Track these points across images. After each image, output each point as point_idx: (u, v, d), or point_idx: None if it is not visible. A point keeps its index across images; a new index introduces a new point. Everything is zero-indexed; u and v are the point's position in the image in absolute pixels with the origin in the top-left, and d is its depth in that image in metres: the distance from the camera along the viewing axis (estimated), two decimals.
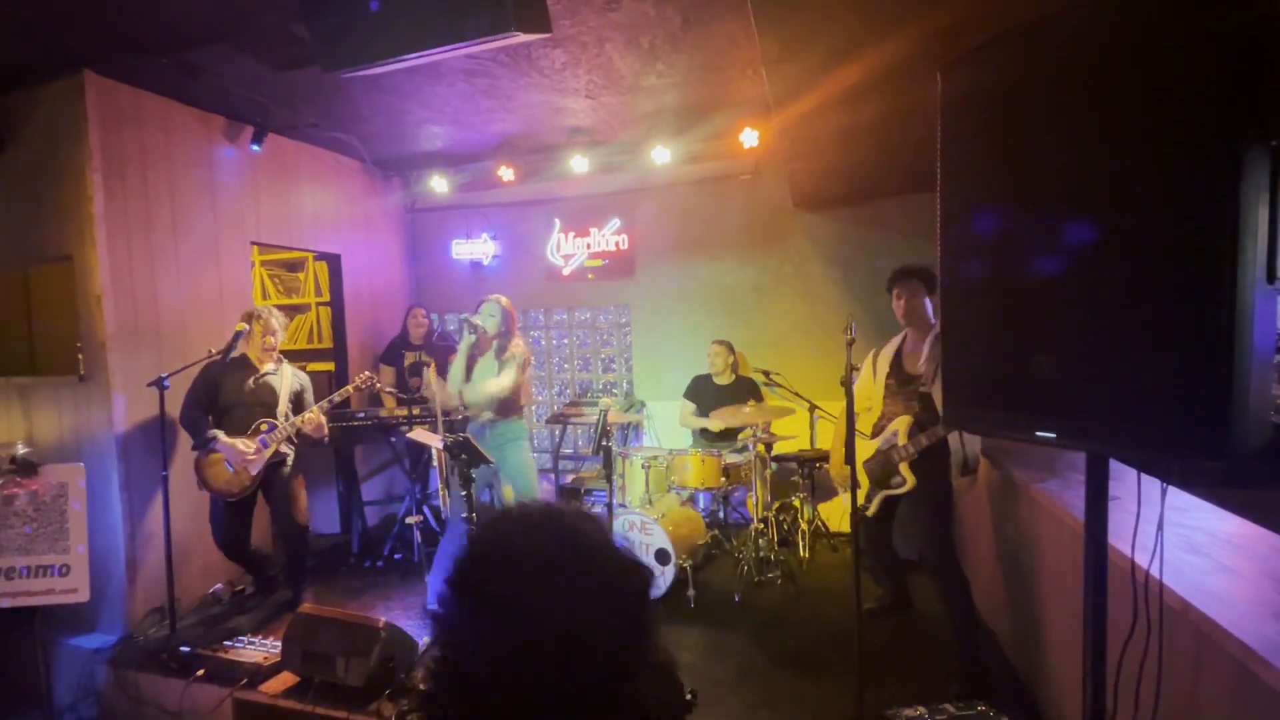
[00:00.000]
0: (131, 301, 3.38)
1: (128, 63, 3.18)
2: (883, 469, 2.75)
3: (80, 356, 3.29)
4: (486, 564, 0.63)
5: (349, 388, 3.53)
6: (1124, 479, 1.62)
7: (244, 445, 3.18)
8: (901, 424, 2.69)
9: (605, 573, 0.63)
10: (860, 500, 2.79)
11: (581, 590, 0.60)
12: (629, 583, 0.65)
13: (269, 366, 3.36)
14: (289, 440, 3.36)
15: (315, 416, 3.32)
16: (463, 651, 0.61)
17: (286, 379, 3.40)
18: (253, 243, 4.16)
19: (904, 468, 2.67)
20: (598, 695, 0.59)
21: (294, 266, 5.43)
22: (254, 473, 3.21)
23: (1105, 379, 1.09)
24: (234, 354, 3.30)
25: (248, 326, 3.30)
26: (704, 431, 4.41)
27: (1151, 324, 1.01)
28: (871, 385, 2.92)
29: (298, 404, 3.45)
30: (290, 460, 3.40)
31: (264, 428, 3.25)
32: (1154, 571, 1.34)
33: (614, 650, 0.60)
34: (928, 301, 2.73)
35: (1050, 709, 2.32)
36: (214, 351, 3.27)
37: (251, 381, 3.28)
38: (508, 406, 3.39)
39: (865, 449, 2.83)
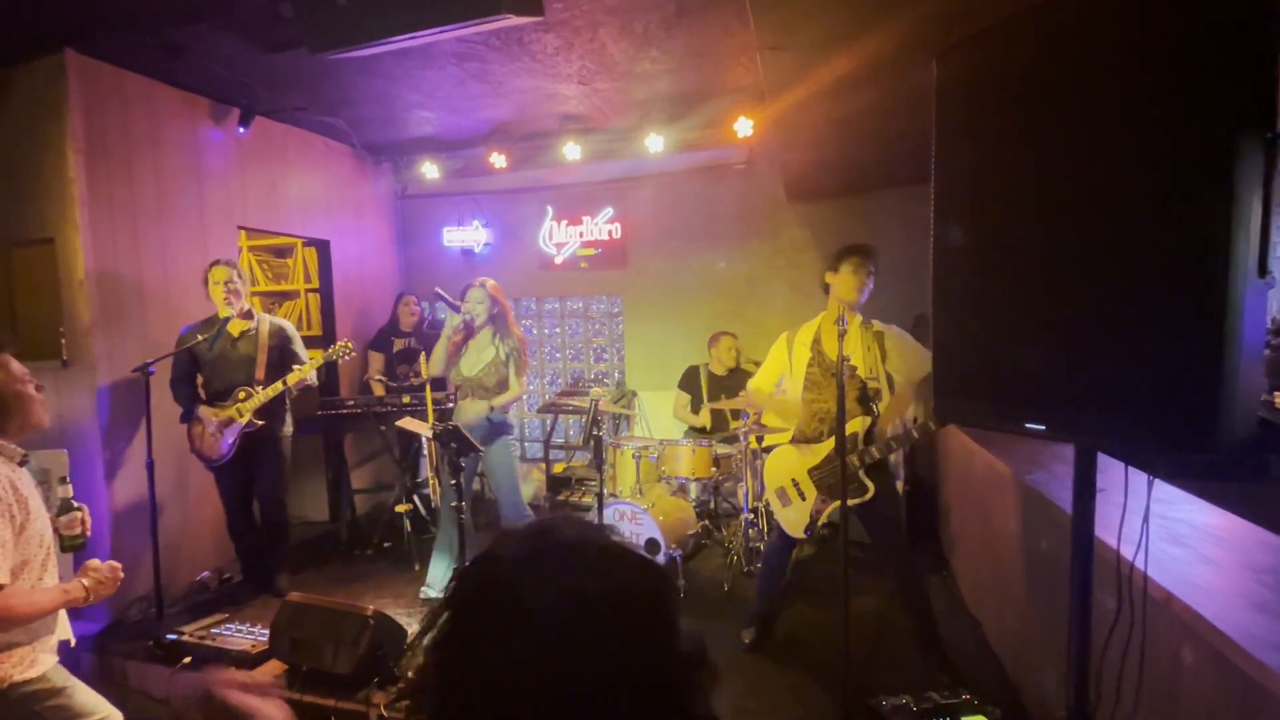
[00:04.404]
0: (115, 285, 3.32)
1: (110, 41, 3.11)
2: (838, 478, 2.49)
3: (63, 341, 3.24)
4: (471, 597, 0.60)
5: (319, 357, 3.39)
6: (1111, 472, 1.63)
7: (218, 415, 3.23)
8: (859, 426, 2.50)
9: (598, 576, 0.59)
10: (801, 518, 2.64)
11: (588, 601, 0.57)
12: (630, 581, 0.60)
13: (241, 322, 3.31)
14: (260, 412, 3.29)
15: (277, 389, 3.26)
16: (462, 691, 0.58)
17: (264, 336, 3.34)
18: (240, 227, 4.10)
19: (863, 474, 2.51)
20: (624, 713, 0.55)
21: (282, 252, 5.37)
22: (229, 440, 3.24)
23: (1095, 372, 1.09)
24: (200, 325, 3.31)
25: (208, 285, 3.26)
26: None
27: (1142, 317, 1.01)
28: (780, 373, 2.69)
29: (282, 356, 3.39)
30: (275, 429, 3.37)
31: (242, 396, 3.25)
32: (1139, 563, 1.35)
33: (626, 663, 0.56)
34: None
35: (1033, 698, 2.35)
36: (201, 337, 3.23)
37: (227, 341, 3.27)
38: (492, 398, 3.35)
39: (809, 455, 2.63)
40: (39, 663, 1.76)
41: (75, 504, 1.87)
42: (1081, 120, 1.08)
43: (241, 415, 3.23)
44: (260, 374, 3.30)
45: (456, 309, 3.29)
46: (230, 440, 3.23)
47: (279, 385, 3.26)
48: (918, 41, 2.07)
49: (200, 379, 3.34)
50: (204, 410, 3.25)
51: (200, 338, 3.23)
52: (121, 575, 1.87)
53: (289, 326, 3.48)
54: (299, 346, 3.47)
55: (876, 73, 2.43)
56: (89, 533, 1.91)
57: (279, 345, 3.39)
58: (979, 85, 1.26)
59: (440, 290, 3.33)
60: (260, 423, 3.28)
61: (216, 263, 3.28)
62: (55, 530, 1.85)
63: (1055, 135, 1.12)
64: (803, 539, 2.68)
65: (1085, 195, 1.09)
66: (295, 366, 3.33)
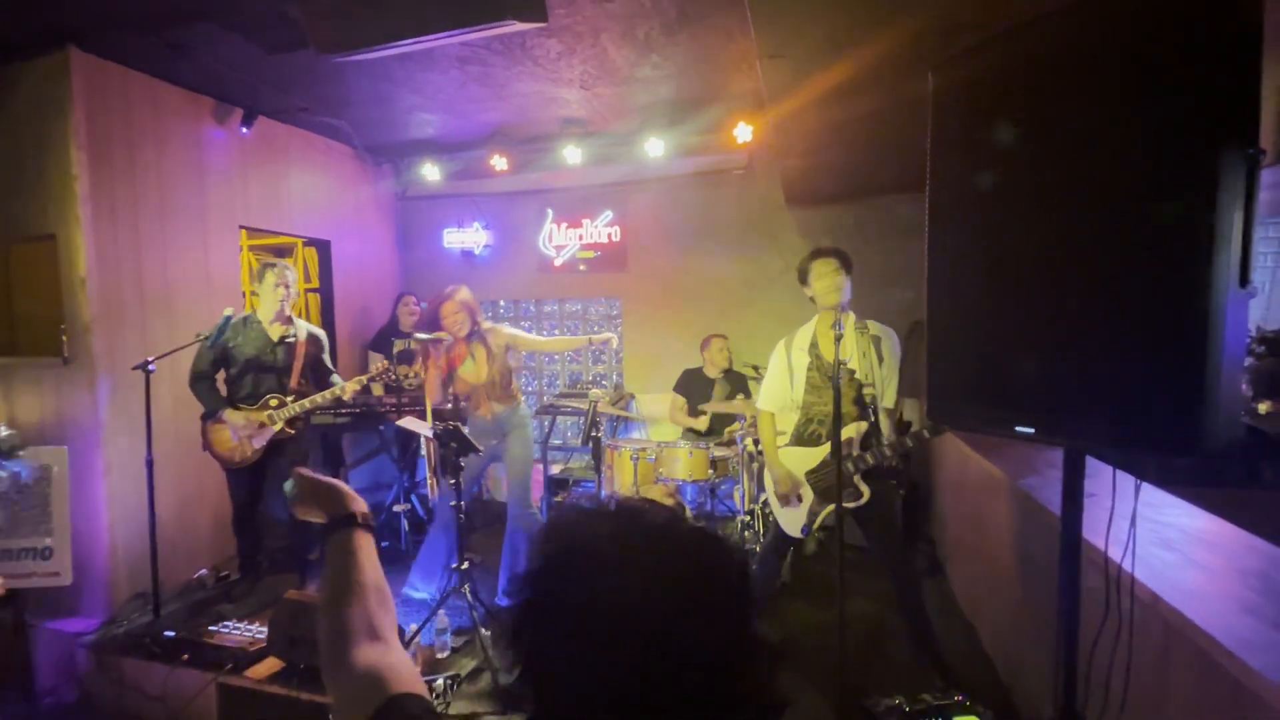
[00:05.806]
0: (116, 283, 3.33)
1: (115, 40, 3.13)
2: (833, 481, 2.41)
3: (64, 338, 3.24)
4: (559, 567, 0.59)
5: (363, 378, 3.38)
6: (1101, 476, 1.66)
7: (249, 419, 3.18)
8: (854, 431, 2.50)
9: (688, 558, 0.59)
10: (798, 518, 2.65)
11: (664, 579, 0.57)
12: (717, 563, 0.60)
13: (281, 327, 3.28)
14: (292, 421, 3.27)
15: (316, 402, 3.26)
16: (545, 659, 0.58)
17: (302, 343, 3.32)
18: (241, 226, 4.11)
19: (858, 479, 2.50)
20: (704, 691, 0.55)
21: (283, 252, 5.37)
22: (256, 446, 3.19)
23: (1083, 377, 1.11)
24: (233, 321, 3.26)
25: (260, 283, 3.23)
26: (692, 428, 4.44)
27: (1128, 324, 1.04)
28: (787, 382, 2.71)
29: (315, 368, 3.38)
30: (303, 433, 3.36)
31: (274, 403, 3.22)
32: (1126, 566, 1.37)
33: (711, 641, 0.56)
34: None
35: (1025, 699, 2.37)
36: (202, 336, 3.24)
37: (266, 344, 3.24)
38: (507, 394, 3.35)
39: (805, 459, 2.66)
40: None
41: None
42: (1071, 133, 1.11)
43: (274, 422, 3.21)
44: (293, 382, 3.27)
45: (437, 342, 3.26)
46: (260, 445, 3.20)
47: (316, 399, 3.24)
48: (915, 51, 2.10)
49: (224, 376, 3.29)
50: (231, 414, 3.18)
51: (236, 334, 3.22)
52: None
53: (324, 336, 3.48)
54: (328, 356, 3.47)
55: (875, 81, 2.46)
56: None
57: (314, 353, 3.38)
58: (973, 98, 1.29)
59: (412, 344, 3.30)
60: (292, 431, 3.27)
61: (273, 264, 3.25)
62: None
63: (1045, 147, 1.15)
64: (800, 538, 2.70)
65: (1074, 205, 1.12)
66: (333, 380, 3.33)
